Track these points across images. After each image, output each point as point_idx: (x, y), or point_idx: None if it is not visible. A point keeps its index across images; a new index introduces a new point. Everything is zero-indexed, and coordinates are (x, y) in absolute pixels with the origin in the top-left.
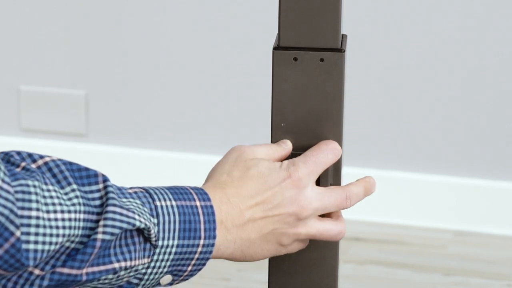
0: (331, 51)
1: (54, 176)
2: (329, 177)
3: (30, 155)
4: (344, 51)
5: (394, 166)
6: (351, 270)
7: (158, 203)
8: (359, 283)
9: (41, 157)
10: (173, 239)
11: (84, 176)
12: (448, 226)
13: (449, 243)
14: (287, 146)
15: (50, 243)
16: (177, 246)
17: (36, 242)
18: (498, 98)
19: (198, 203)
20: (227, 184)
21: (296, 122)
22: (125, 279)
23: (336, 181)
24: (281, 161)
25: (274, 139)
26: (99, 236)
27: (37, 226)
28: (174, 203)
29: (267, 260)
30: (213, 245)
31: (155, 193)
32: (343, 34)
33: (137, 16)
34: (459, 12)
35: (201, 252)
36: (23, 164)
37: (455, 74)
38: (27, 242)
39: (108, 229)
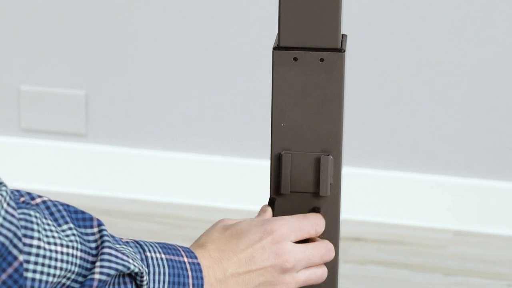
0: (331, 51)
1: (51, 214)
2: (329, 177)
3: (28, 193)
4: (344, 51)
5: (394, 166)
6: (351, 270)
7: (148, 254)
8: (359, 283)
9: (39, 196)
10: None
11: (80, 218)
12: (448, 226)
13: (449, 243)
14: (266, 215)
15: (49, 274)
16: None
17: (35, 271)
18: (498, 98)
19: (186, 259)
20: (206, 242)
21: (296, 122)
22: None
23: (336, 181)
24: None
25: (274, 139)
26: (96, 276)
27: (38, 255)
28: (163, 256)
29: None
30: None
31: (145, 245)
32: (343, 34)
33: (137, 16)
34: (459, 12)
35: None
36: (22, 199)
37: (455, 74)
38: (27, 270)
39: (105, 270)
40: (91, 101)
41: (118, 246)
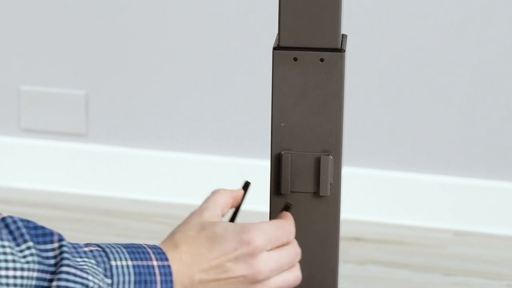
0: (331, 51)
1: (11, 232)
2: (329, 177)
3: None
4: (344, 51)
5: (394, 166)
6: (351, 270)
7: (113, 262)
8: (359, 283)
9: None
10: None
11: (40, 234)
12: (448, 226)
13: (449, 243)
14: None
15: None
16: None
17: None
18: (498, 98)
19: (155, 262)
20: (180, 242)
21: (296, 122)
22: None
23: (336, 181)
24: (239, 205)
25: (274, 139)
26: None
27: None
28: (130, 263)
29: None
30: None
31: (111, 252)
32: (343, 34)
33: (137, 16)
34: (459, 12)
35: None
36: None
37: (455, 74)
38: None
39: None
40: (91, 101)
41: (78, 260)
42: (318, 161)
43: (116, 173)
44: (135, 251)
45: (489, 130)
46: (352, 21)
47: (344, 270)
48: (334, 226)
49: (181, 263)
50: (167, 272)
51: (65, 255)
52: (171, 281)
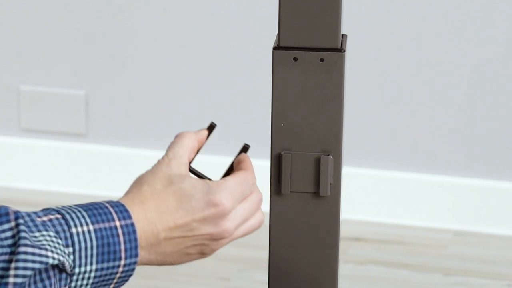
0: (331, 51)
1: None
2: (329, 177)
3: None
4: (344, 51)
5: (394, 166)
6: (351, 270)
7: (74, 229)
8: (359, 283)
9: None
10: (91, 264)
11: None
12: (448, 226)
13: (449, 243)
14: (244, 165)
15: None
16: (96, 270)
17: None
18: (498, 98)
19: (117, 222)
20: (147, 197)
21: (296, 122)
22: None
23: (336, 181)
24: (199, 148)
25: (274, 139)
26: (11, 280)
27: None
28: (91, 227)
29: (267, 260)
30: (135, 263)
31: (72, 219)
32: (343, 34)
33: (137, 16)
34: (459, 12)
35: (122, 272)
36: None
37: (455, 74)
38: None
39: (20, 272)
40: (91, 101)
41: (37, 234)
42: (318, 161)
43: (116, 173)
44: (96, 212)
45: (489, 130)
46: (352, 21)
47: (344, 270)
48: (334, 226)
49: (146, 221)
50: (130, 231)
51: (22, 234)
52: (135, 239)
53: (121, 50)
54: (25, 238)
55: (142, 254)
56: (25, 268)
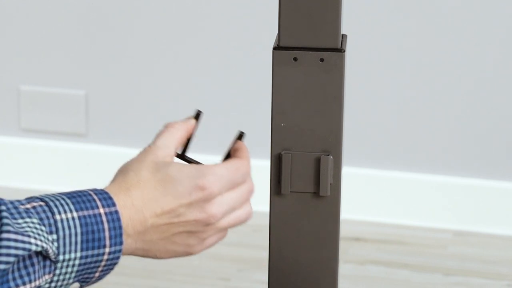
0: (331, 51)
1: None
2: (329, 177)
3: None
4: (344, 51)
5: (394, 166)
6: (351, 270)
7: (58, 216)
8: (359, 283)
9: None
10: (75, 251)
11: None
12: (448, 226)
13: (449, 243)
14: (240, 153)
15: None
16: (81, 258)
17: None
18: (498, 98)
19: (101, 210)
20: (132, 184)
21: (296, 122)
22: None
23: (336, 181)
24: (188, 140)
25: (274, 139)
26: None
27: None
28: (75, 214)
29: (267, 260)
30: (120, 251)
31: (55, 206)
32: (343, 34)
33: (137, 16)
34: (459, 12)
35: (107, 259)
36: None
37: (455, 74)
38: None
39: (3, 258)
40: (91, 101)
41: (20, 221)
42: (318, 161)
43: None
44: (80, 200)
45: (489, 130)
46: (352, 21)
47: (344, 270)
48: (334, 226)
49: (133, 209)
50: (114, 218)
51: (5, 220)
52: (120, 227)
53: (121, 50)
54: (7, 224)
55: (128, 242)
56: (8, 255)
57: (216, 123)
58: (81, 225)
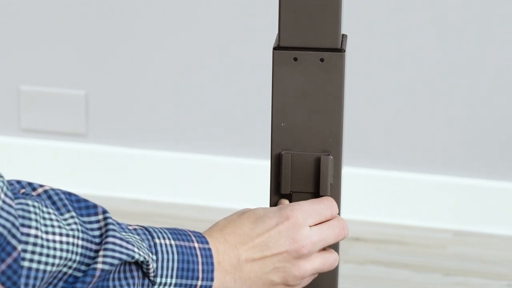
0: (331, 51)
1: (53, 203)
2: (329, 177)
3: (30, 183)
4: (344, 51)
5: (394, 166)
6: (351, 270)
7: (157, 240)
8: (359, 283)
9: (41, 185)
10: (171, 277)
11: (83, 207)
12: (448, 226)
13: (449, 243)
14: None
15: (46, 263)
16: (175, 285)
17: (31, 261)
18: (498, 98)
19: (196, 244)
20: (224, 226)
21: (296, 122)
22: None
23: (336, 181)
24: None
25: (274, 139)
26: (99, 266)
27: (35, 244)
28: (173, 242)
29: None
30: (210, 286)
31: (154, 231)
32: (343, 34)
33: (137, 16)
34: (459, 12)
35: None
36: (23, 190)
37: (455, 74)
38: (23, 259)
39: (108, 259)
40: (91, 101)
41: (124, 234)
42: (318, 161)
43: (116, 173)
44: (176, 232)
45: (489, 130)
46: (352, 21)
47: (344, 270)
48: None
49: (226, 244)
50: (207, 254)
51: (111, 226)
52: (212, 263)
53: (121, 50)
54: (114, 230)
55: (227, 280)
56: (113, 257)
57: (216, 123)
58: (178, 253)
